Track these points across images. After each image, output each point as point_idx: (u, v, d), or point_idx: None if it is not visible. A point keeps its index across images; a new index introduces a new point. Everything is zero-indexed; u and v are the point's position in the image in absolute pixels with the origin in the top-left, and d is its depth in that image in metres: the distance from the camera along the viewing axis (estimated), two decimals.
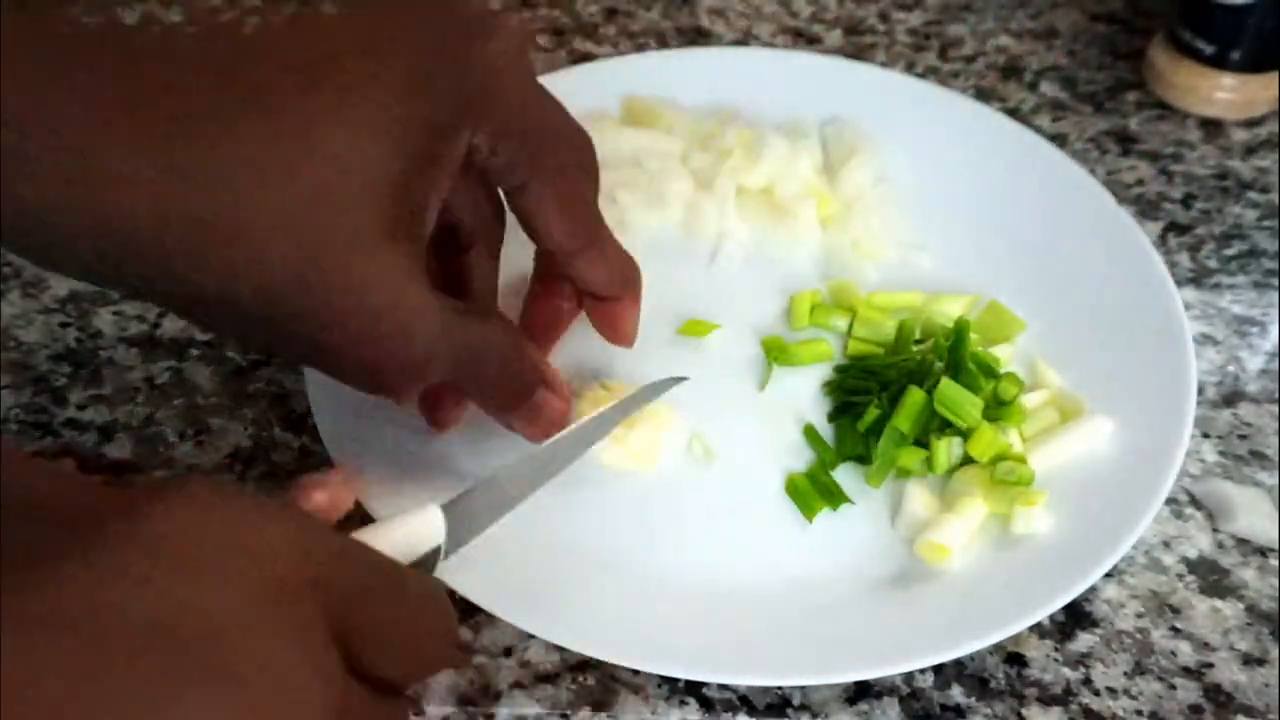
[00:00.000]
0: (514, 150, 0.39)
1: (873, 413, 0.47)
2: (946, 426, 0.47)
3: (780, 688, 0.43)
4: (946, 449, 0.47)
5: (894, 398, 0.47)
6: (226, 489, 0.28)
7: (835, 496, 0.47)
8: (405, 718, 0.33)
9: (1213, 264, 0.58)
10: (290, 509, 0.31)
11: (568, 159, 0.41)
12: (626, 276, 0.45)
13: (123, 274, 0.34)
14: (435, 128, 0.36)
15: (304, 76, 0.34)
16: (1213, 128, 0.64)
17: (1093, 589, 0.45)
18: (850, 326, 0.52)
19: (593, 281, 0.44)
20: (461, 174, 0.39)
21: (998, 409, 0.48)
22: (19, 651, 0.24)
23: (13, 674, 0.23)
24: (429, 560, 0.35)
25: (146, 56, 0.33)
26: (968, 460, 0.47)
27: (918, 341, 0.51)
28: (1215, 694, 0.43)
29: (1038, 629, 0.45)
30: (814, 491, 0.47)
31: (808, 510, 0.47)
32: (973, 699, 0.43)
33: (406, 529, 0.35)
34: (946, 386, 0.47)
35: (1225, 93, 0.63)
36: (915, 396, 0.47)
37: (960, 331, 0.49)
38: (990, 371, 0.49)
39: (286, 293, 0.34)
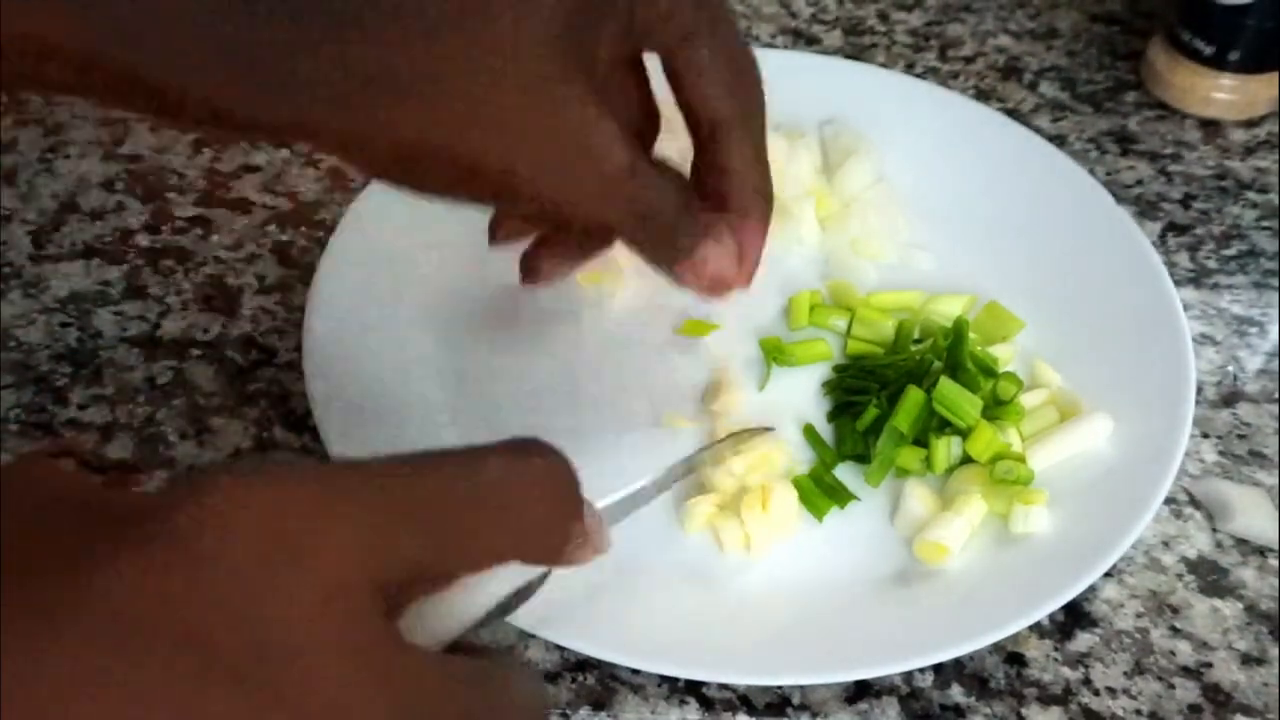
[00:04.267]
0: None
1: (872, 412, 0.47)
2: (945, 426, 0.47)
3: (780, 687, 0.43)
4: (946, 448, 0.47)
5: (893, 397, 0.48)
6: (257, 479, 0.24)
7: (842, 495, 0.47)
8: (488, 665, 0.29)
9: (1212, 264, 0.58)
10: (328, 477, 0.26)
11: (727, 15, 0.41)
12: (765, 184, 0.42)
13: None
14: None
15: None
16: (1212, 128, 0.64)
17: (1092, 589, 0.45)
18: (849, 326, 0.52)
19: (734, 167, 0.42)
20: (614, 67, 0.39)
21: (996, 408, 0.48)
22: (51, 654, 0.22)
23: (55, 675, 0.22)
24: (535, 583, 0.31)
25: None
26: (967, 460, 0.47)
27: (916, 341, 0.51)
28: (1214, 694, 0.43)
29: (1037, 629, 0.45)
30: (820, 491, 0.47)
31: (816, 510, 0.47)
32: (972, 699, 0.43)
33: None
34: (945, 386, 0.47)
35: (1224, 93, 0.63)
36: (914, 396, 0.47)
37: (959, 331, 0.49)
38: (989, 371, 0.49)
39: (480, 136, 0.35)
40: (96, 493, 0.25)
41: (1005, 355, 0.51)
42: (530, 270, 0.46)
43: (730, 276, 0.42)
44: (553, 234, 0.46)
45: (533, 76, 0.35)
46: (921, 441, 0.47)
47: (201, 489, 0.24)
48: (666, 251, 0.41)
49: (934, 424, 0.47)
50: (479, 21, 0.34)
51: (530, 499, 0.28)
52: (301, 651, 0.23)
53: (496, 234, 0.46)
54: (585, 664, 0.43)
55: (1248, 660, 0.44)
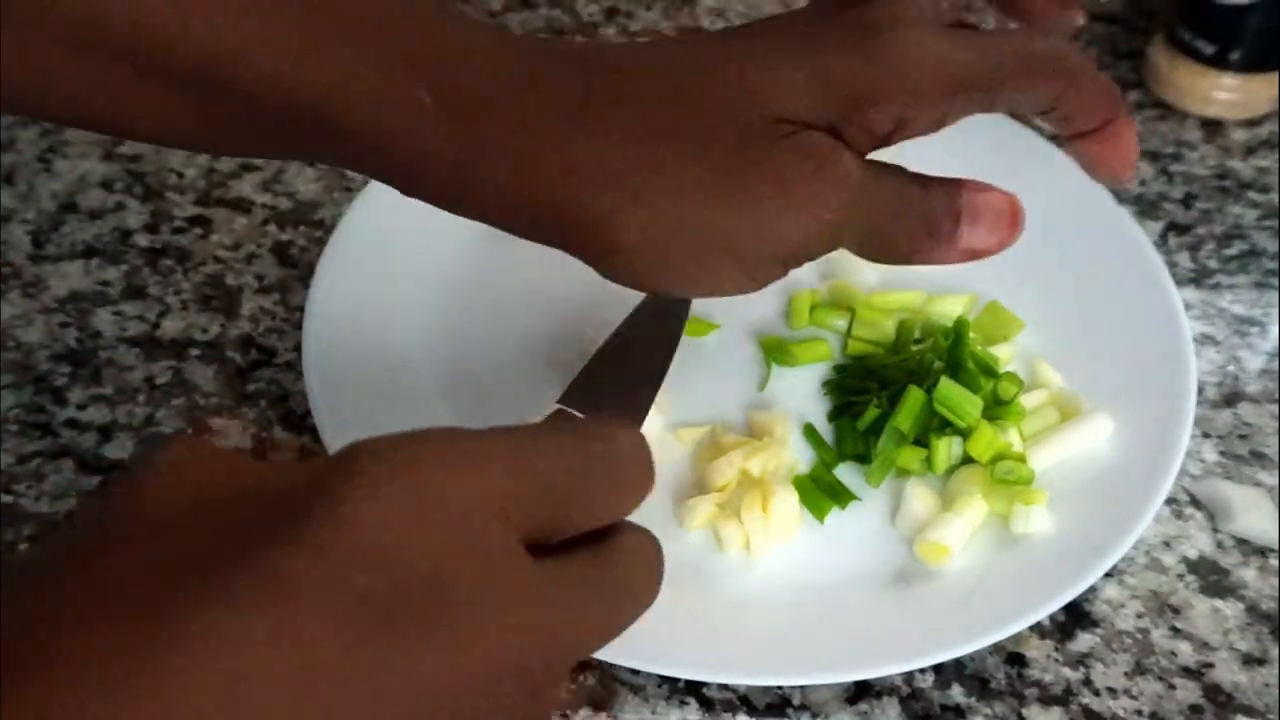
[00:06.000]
0: None
1: (872, 412, 0.47)
2: (946, 426, 0.47)
3: (780, 688, 0.43)
4: (946, 448, 0.47)
5: (893, 397, 0.47)
6: (392, 451, 0.28)
7: (842, 495, 0.47)
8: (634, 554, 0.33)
9: (1213, 264, 0.58)
10: (458, 442, 0.29)
11: None
12: (1112, 88, 0.42)
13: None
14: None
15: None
16: (1213, 128, 0.64)
17: (1093, 589, 0.45)
18: (849, 326, 0.52)
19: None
20: None
21: (997, 408, 0.48)
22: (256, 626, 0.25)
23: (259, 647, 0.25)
24: None
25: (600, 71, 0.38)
26: (967, 460, 0.47)
27: (917, 341, 0.51)
28: (1215, 694, 0.43)
29: (1038, 629, 0.45)
30: (821, 491, 0.47)
31: (817, 510, 0.47)
32: (973, 699, 0.43)
33: None
34: (946, 386, 0.47)
35: (1225, 93, 0.63)
36: (915, 396, 0.47)
37: (959, 331, 0.49)
38: (990, 371, 0.49)
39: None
40: (251, 471, 0.28)
41: (1005, 355, 0.50)
42: None
43: (999, 241, 0.42)
44: None
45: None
46: (922, 442, 0.47)
47: (346, 464, 0.27)
48: (914, 253, 0.42)
49: (934, 424, 0.47)
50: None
51: (624, 464, 0.32)
52: (450, 586, 0.27)
53: None
54: (585, 664, 0.43)
55: (1249, 661, 0.44)
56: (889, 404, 0.47)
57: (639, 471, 0.33)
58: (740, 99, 0.37)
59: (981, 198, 0.41)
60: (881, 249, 0.41)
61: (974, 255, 0.42)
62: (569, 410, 0.39)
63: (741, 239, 0.38)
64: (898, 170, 0.40)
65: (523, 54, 0.38)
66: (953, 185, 0.41)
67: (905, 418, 0.46)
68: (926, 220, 0.40)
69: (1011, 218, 0.41)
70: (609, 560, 0.31)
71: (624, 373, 0.41)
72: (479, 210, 0.39)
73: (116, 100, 0.37)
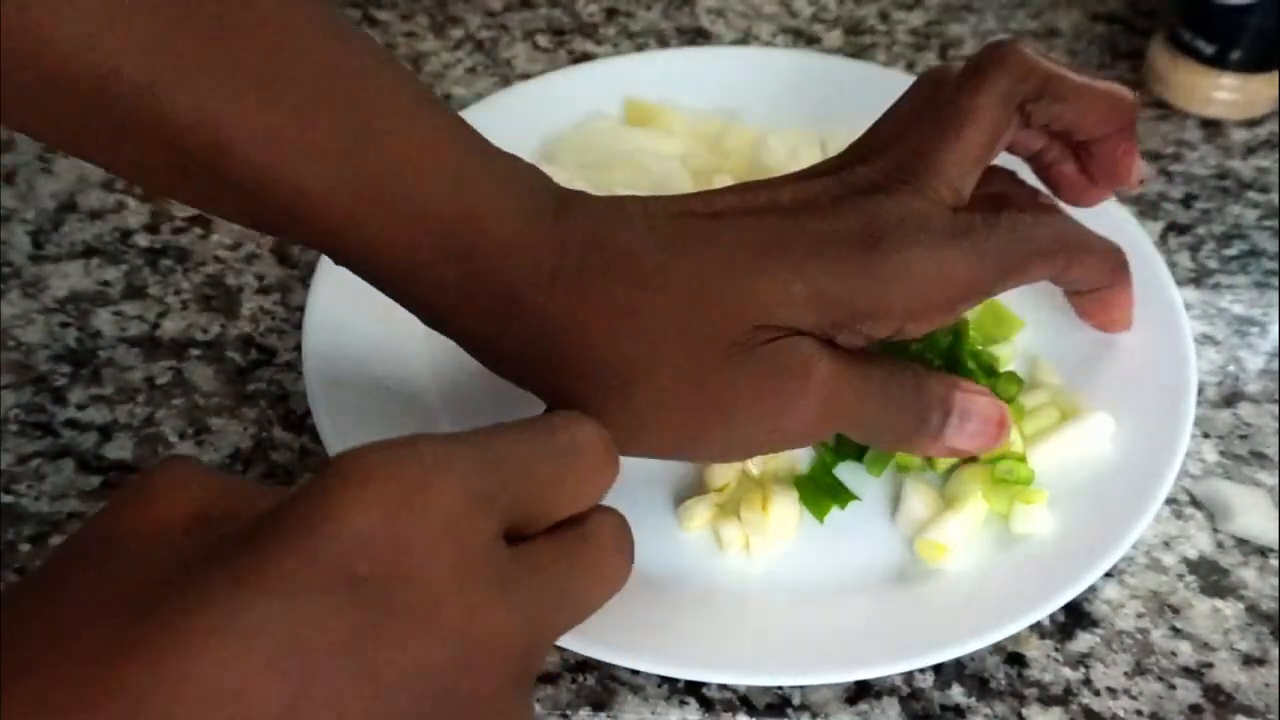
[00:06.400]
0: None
1: None
2: None
3: (780, 688, 0.43)
4: None
5: None
6: (370, 455, 0.28)
7: (842, 495, 0.47)
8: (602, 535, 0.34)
9: (1213, 264, 0.58)
10: (434, 443, 0.30)
11: None
12: (1113, 258, 0.45)
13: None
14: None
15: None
16: (1213, 128, 0.64)
17: (1093, 589, 0.45)
18: None
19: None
20: None
21: None
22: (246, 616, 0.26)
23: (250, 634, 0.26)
24: None
25: None
26: (968, 459, 0.47)
27: (916, 342, 0.51)
28: (1215, 694, 0.43)
29: (1038, 629, 0.45)
30: (821, 491, 0.47)
31: (817, 510, 0.46)
32: (973, 699, 0.43)
33: None
34: None
35: (1225, 93, 0.63)
36: None
37: (958, 330, 0.49)
38: (989, 370, 0.49)
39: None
40: (243, 489, 0.30)
41: (1005, 355, 0.50)
42: None
43: (979, 446, 0.43)
44: None
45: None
46: None
47: (330, 471, 0.28)
48: (898, 441, 0.43)
49: None
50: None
51: (588, 454, 0.33)
52: (435, 576, 0.28)
53: None
54: (585, 664, 0.43)
55: (1249, 661, 0.44)
56: None
57: (603, 460, 0.34)
58: (732, 308, 0.39)
59: (974, 402, 0.43)
60: (866, 437, 0.43)
61: (952, 453, 0.43)
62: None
63: (712, 445, 0.41)
64: (890, 362, 0.42)
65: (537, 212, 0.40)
66: (948, 382, 0.42)
67: None
68: (917, 413, 0.42)
69: (998, 427, 0.43)
70: (580, 544, 0.33)
71: None
72: (459, 339, 0.42)
73: (105, 150, 0.37)
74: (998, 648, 0.44)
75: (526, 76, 0.65)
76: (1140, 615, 0.45)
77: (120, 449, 0.49)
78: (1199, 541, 0.48)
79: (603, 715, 0.42)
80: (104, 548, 0.28)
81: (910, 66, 0.67)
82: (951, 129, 0.41)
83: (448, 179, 0.38)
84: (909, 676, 0.43)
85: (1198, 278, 0.57)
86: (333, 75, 0.37)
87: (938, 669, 0.43)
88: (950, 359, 0.49)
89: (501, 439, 0.32)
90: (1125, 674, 0.44)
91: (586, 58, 0.67)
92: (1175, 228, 0.59)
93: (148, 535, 0.28)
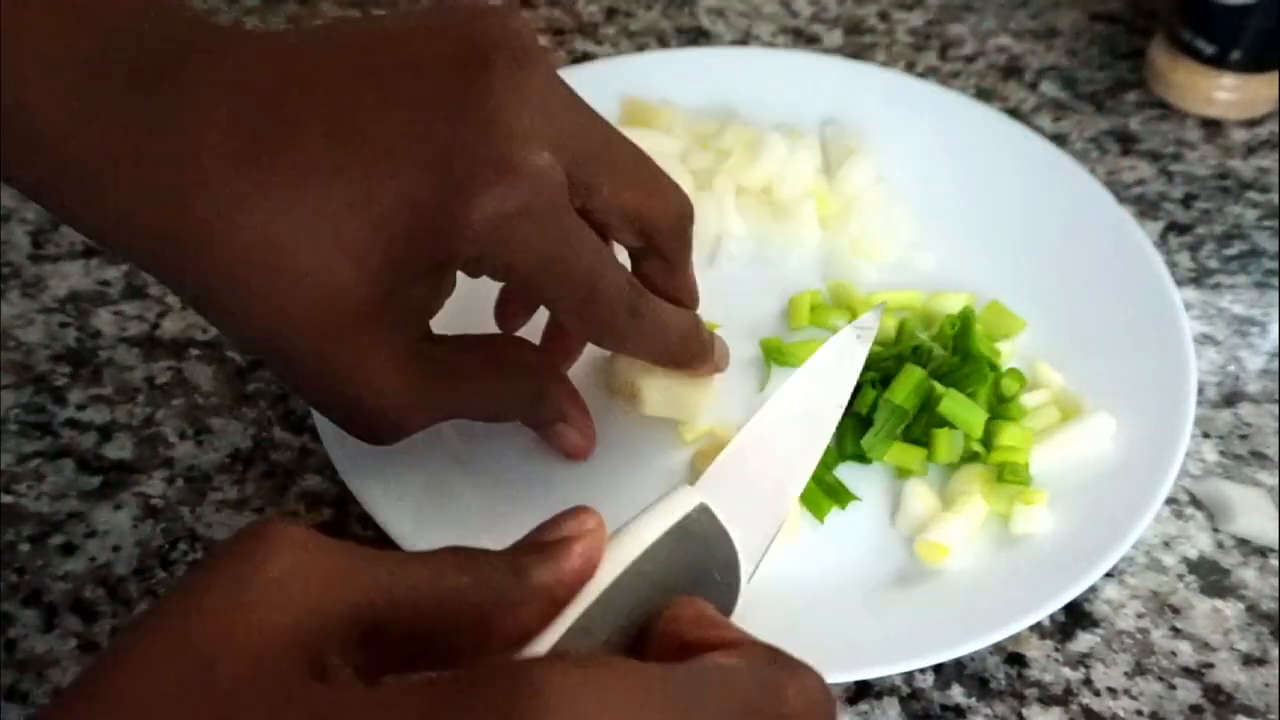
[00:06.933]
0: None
1: (869, 394, 0.47)
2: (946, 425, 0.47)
3: None
4: (949, 440, 0.47)
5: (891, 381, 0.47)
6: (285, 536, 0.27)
7: (842, 495, 0.47)
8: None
9: (1213, 264, 0.58)
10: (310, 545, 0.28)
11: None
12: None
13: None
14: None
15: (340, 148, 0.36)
16: (1213, 127, 0.64)
17: (1093, 589, 0.45)
18: None
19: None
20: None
21: (999, 405, 0.48)
22: None
23: None
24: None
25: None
26: (968, 459, 0.47)
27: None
28: (1215, 694, 0.43)
29: (1038, 629, 0.45)
30: (820, 491, 0.47)
31: (817, 510, 0.46)
32: (973, 699, 0.43)
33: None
34: (950, 398, 0.46)
35: (1225, 92, 0.63)
36: (913, 373, 0.47)
37: (966, 318, 0.49)
38: (992, 365, 0.49)
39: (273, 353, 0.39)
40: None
41: (1006, 354, 0.50)
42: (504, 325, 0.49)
43: (580, 449, 0.47)
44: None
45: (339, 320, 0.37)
46: (922, 442, 0.47)
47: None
48: (525, 420, 0.46)
49: (936, 424, 0.47)
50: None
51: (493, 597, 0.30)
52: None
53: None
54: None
55: (1249, 661, 0.44)
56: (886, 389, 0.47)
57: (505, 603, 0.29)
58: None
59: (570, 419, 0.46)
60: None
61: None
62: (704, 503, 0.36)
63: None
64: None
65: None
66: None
67: (901, 390, 0.46)
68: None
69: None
70: (454, 692, 0.26)
71: (766, 460, 0.37)
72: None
73: None
74: (998, 648, 0.44)
75: None
76: (1140, 615, 0.45)
77: (120, 449, 0.49)
78: (1199, 541, 0.48)
79: None
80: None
81: (910, 67, 0.67)
82: None
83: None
84: (909, 676, 0.43)
85: (1198, 278, 0.57)
86: None
87: (938, 669, 0.43)
88: (958, 346, 0.49)
89: (393, 567, 0.29)
90: (1125, 674, 0.44)
91: (586, 57, 0.67)
92: (1175, 228, 0.59)
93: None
